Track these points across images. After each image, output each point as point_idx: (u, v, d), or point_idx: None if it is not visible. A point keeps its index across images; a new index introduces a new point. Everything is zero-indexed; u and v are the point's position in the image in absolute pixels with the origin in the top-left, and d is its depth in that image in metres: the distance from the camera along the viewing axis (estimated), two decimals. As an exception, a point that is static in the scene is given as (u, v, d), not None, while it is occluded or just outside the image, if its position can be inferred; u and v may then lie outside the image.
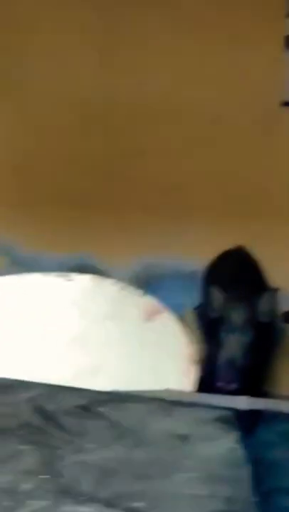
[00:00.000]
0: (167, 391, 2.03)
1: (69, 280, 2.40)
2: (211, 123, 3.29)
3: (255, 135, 3.29)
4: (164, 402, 1.93)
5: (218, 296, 2.54)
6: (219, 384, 2.36)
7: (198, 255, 3.16)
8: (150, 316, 2.32)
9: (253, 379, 2.42)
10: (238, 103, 3.28)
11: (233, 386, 2.33)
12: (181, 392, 2.09)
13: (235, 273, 2.87)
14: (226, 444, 1.70)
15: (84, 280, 2.41)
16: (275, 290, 2.64)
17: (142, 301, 2.36)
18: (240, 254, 3.00)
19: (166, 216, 3.25)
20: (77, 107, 3.30)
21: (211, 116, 3.28)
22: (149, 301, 2.35)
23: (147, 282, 3.17)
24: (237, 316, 2.47)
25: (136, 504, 1.41)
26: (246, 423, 2.37)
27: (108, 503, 1.40)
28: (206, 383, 2.39)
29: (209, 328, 2.58)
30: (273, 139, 3.30)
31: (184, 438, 1.72)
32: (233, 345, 2.41)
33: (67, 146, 3.32)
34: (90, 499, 1.41)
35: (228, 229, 3.16)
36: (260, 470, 2.48)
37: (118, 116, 3.31)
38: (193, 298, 3.06)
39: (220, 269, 2.96)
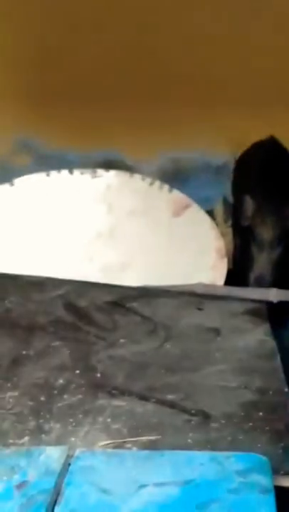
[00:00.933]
0: (197, 285, 2.03)
1: (95, 176, 2.37)
2: (237, 13, 3.16)
3: (279, 23, 3.17)
4: (195, 297, 1.93)
5: (250, 204, 2.49)
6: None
7: (226, 147, 3.11)
8: (178, 210, 2.30)
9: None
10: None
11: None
12: (211, 286, 2.09)
13: (266, 166, 2.81)
14: (257, 335, 1.71)
15: (110, 176, 2.38)
16: None
17: (169, 196, 2.34)
18: (271, 145, 2.94)
19: (192, 108, 3.17)
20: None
21: (237, 5, 3.15)
22: (177, 196, 2.32)
23: (175, 176, 3.13)
24: (267, 232, 2.43)
25: (169, 396, 1.43)
26: (278, 315, 2.38)
27: (141, 396, 1.43)
28: (237, 276, 2.40)
29: (241, 236, 2.56)
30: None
31: (214, 331, 1.73)
32: (263, 263, 2.39)
33: (88, 40, 3.22)
34: (123, 392, 1.44)
35: (258, 120, 3.08)
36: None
37: (135, 7, 3.19)
38: (222, 191, 3.03)
39: (251, 160, 2.91)
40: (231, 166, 2.99)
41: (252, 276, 2.41)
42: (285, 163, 2.83)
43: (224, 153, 3.10)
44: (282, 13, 3.13)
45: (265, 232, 2.44)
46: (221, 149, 3.12)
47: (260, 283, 2.35)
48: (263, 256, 2.42)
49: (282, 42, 3.15)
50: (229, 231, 2.71)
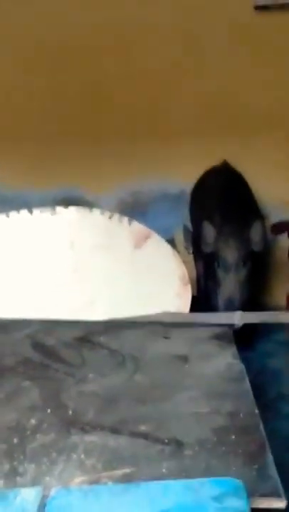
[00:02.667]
0: (163, 314, 2.05)
1: (55, 214, 2.38)
2: (188, 39, 3.22)
3: (231, 45, 3.22)
4: (161, 325, 1.95)
5: (210, 230, 2.53)
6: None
7: (182, 176, 3.14)
8: (139, 241, 2.32)
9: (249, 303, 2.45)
10: (213, 15, 3.20)
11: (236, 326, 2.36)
12: (177, 314, 2.11)
13: (222, 189, 2.85)
14: (225, 360, 1.73)
15: (70, 212, 2.39)
16: (263, 219, 2.63)
17: (130, 228, 2.35)
18: (224, 169, 2.98)
19: (147, 140, 3.21)
20: (52, 38, 3.23)
21: (188, 31, 3.21)
22: (137, 227, 2.34)
23: (134, 208, 3.16)
24: (231, 255, 2.47)
25: (141, 427, 1.44)
26: (244, 337, 2.40)
27: (113, 430, 1.43)
28: (201, 302, 2.42)
29: (205, 262, 2.59)
30: (250, 47, 3.23)
31: (182, 358, 1.74)
32: (230, 287, 2.42)
33: (43, 79, 3.26)
34: (95, 427, 1.44)
35: (210, 146, 3.13)
36: (263, 380, 2.53)
37: (93, 44, 3.23)
38: (181, 219, 3.06)
39: (207, 186, 2.95)
40: (188, 193, 3.03)
41: (220, 300, 2.43)
42: (240, 186, 2.88)
43: (180, 181, 3.14)
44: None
45: (230, 256, 2.47)
46: (177, 178, 3.16)
47: (229, 306, 2.37)
48: (230, 279, 2.45)
49: (226, 69, 3.21)
50: (191, 258, 2.74)
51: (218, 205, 2.70)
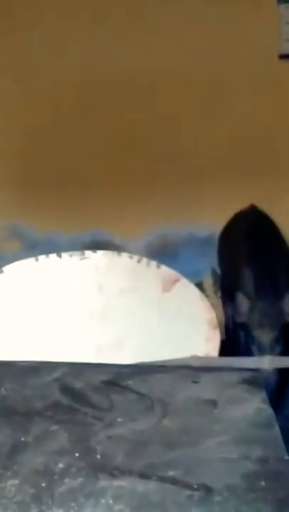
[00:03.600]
0: (192, 358, 2.04)
1: (84, 258, 2.40)
2: (214, 85, 3.26)
3: (256, 92, 3.27)
4: (190, 370, 1.94)
5: (244, 301, 2.50)
6: None
7: (210, 219, 3.16)
8: (168, 285, 2.32)
9: None
10: (238, 62, 3.25)
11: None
12: (205, 358, 2.10)
13: (250, 232, 2.84)
14: (254, 405, 1.71)
15: (98, 256, 2.41)
16: None
17: (158, 272, 2.36)
18: (253, 213, 2.98)
19: (174, 182, 3.24)
20: (76, 84, 3.29)
21: (213, 78, 3.26)
22: (165, 271, 2.35)
23: (162, 251, 3.17)
24: (266, 336, 2.42)
25: (170, 473, 1.43)
26: (274, 383, 2.38)
27: (142, 475, 1.42)
28: (230, 346, 2.40)
29: (236, 331, 2.55)
30: (275, 94, 3.27)
31: (211, 403, 1.73)
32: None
33: (69, 124, 3.32)
34: (123, 472, 1.43)
35: (239, 189, 3.15)
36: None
37: (117, 89, 3.29)
38: (210, 263, 3.06)
39: (235, 230, 2.94)
40: (216, 237, 3.04)
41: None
42: (269, 229, 2.85)
43: (209, 224, 3.15)
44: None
45: (264, 336, 2.41)
46: (206, 221, 3.17)
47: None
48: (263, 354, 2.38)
49: (259, 114, 3.24)
50: (219, 302, 2.73)
51: (250, 247, 2.66)
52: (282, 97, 3.31)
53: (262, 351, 2.38)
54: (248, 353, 2.40)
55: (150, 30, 3.27)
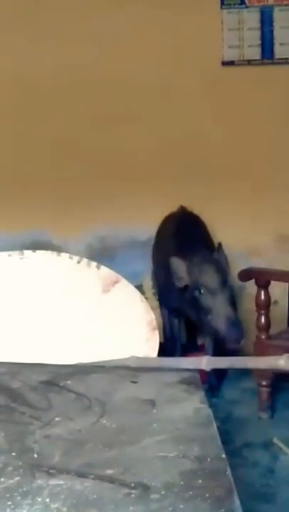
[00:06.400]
0: (131, 359, 2.03)
1: (23, 258, 2.37)
2: (156, 90, 3.28)
3: (198, 98, 3.30)
4: (128, 370, 1.94)
5: (180, 264, 2.54)
6: (230, 345, 2.36)
7: (149, 223, 3.18)
8: (107, 286, 2.32)
9: None
10: (182, 68, 3.28)
11: (242, 341, 2.35)
12: (144, 359, 2.10)
13: (182, 232, 2.91)
14: (192, 404, 1.72)
15: (38, 257, 2.38)
16: (220, 245, 2.69)
17: (98, 273, 2.35)
18: (183, 214, 3.07)
19: (114, 185, 3.25)
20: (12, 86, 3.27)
21: (156, 84, 3.28)
22: (105, 272, 2.34)
23: (102, 253, 3.17)
24: (211, 278, 2.49)
25: (107, 471, 1.42)
26: (211, 382, 2.40)
27: (79, 473, 1.41)
28: (166, 348, 2.42)
29: (182, 297, 2.59)
30: (217, 100, 3.31)
31: (150, 402, 1.73)
32: (223, 304, 2.42)
33: (7, 124, 3.29)
34: (61, 471, 1.42)
35: (172, 192, 3.19)
36: (229, 427, 2.52)
37: (59, 91, 3.28)
38: (149, 265, 3.07)
39: (167, 232, 3.01)
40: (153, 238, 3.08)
41: (219, 323, 2.40)
42: (196, 226, 2.94)
43: (148, 228, 3.17)
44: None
45: (210, 280, 2.48)
46: (145, 225, 3.19)
47: (231, 324, 2.34)
48: (219, 300, 2.44)
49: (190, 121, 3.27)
50: (157, 305, 2.75)
51: (179, 245, 2.74)
52: (224, 104, 3.35)
53: (213, 295, 2.42)
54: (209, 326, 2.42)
55: (93, 34, 3.28)
